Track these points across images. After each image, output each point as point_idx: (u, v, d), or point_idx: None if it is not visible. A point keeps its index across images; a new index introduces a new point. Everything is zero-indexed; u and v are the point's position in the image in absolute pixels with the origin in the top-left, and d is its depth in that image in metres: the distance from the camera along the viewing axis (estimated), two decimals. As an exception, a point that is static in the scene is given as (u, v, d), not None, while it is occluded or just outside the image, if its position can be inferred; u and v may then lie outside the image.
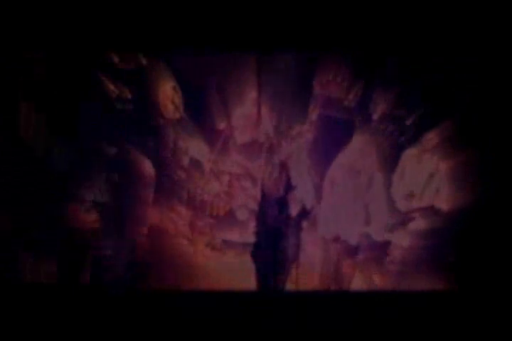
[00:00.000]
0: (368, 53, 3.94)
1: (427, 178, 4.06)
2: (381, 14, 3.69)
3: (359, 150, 4.47)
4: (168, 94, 4.02)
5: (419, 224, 4.08)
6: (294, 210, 5.04)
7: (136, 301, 3.47)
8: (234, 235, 5.07)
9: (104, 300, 3.45)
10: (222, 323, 3.34)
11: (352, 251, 4.59)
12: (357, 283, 4.58)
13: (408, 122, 4.18)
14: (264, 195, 5.04)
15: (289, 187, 5.11)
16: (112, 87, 3.54)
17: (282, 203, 5.04)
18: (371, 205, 4.46)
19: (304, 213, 4.92)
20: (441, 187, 3.97)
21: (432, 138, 4.06)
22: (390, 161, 4.27)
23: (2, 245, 3.38)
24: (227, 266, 4.98)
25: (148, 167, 4.15)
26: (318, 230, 4.78)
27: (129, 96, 3.70)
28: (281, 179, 5.01)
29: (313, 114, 4.59)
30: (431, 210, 3.99)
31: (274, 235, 4.98)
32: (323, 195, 4.78)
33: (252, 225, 5.10)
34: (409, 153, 4.19)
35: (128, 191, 4.01)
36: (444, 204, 3.93)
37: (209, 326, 3.33)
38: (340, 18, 3.69)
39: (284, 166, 4.98)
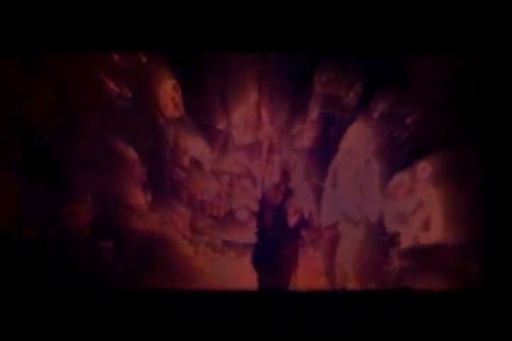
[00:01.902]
0: (367, 53, 3.94)
1: (417, 205, 4.00)
2: (381, 14, 3.69)
3: (359, 141, 4.44)
4: (168, 92, 4.01)
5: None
6: (291, 217, 5.03)
7: (137, 301, 3.45)
8: (234, 236, 5.05)
9: (105, 299, 3.42)
10: (223, 323, 3.31)
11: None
12: (352, 281, 4.56)
13: (408, 121, 4.17)
14: (263, 199, 5.02)
15: (287, 194, 5.09)
16: (112, 85, 3.53)
17: (280, 210, 5.02)
18: (368, 194, 4.43)
19: (302, 221, 4.92)
20: (430, 219, 3.90)
21: (425, 167, 3.98)
22: (388, 157, 4.23)
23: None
24: (227, 266, 4.96)
25: (131, 152, 4.04)
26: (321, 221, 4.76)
27: (130, 94, 3.70)
28: (281, 186, 4.99)
29: (314, 113, 4.58)
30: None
31: (274, 236, 4.96)
32: (326, 186, 4.76)
33: (252, 226, 5.08)
34: (401, 179, 4.13)
35: (115, 179, 3.92)
36: (430, 238, 3.84)
37: (209, 326, 3.30)
38: (341, 18, 3.68)
39: (284, 172, 4.96)
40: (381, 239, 4.21)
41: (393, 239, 4.12)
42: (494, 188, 3.50)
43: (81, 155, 3.66)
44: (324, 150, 4.67)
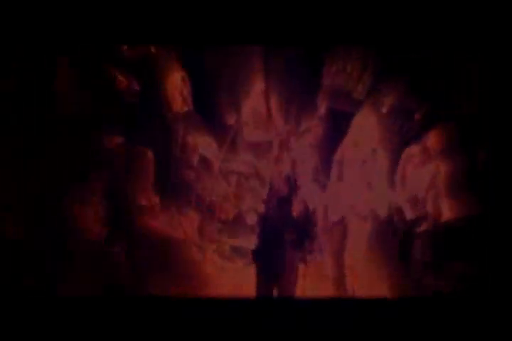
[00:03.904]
0: (376, 46, 3.93)
1: (430, 181, 3.90)
2: (388, 8, 3.71)
3: (365, 130, 4.33)
4: (176, 84, 3.94)
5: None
6: (297, 211, 4.87)
7: (142, 308, 3.23)
8: (243, 240, 4.87)
9: (108, 305, 3.20)
10: (226, 330, 3.09)
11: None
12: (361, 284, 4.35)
13: (417, 116, 4.11)
14: (269, 194, 4.89)
15: (294, 192, 4.97)
16: (120, 77, 3.45)
17: (286, 203, 4.88)
18: (375, 184, 4.27)
19: (307, 217, 4.78)
20: (441, 192, 3.79)
21: (433, 141, 3.92)
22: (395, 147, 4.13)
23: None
24: (235, 272, 4.76)
25: (148, 153, 3.90)
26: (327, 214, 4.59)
27: (138, 87, 3.60)
28: (289, 180, 4.87)
29: (322, 108, 4.53)
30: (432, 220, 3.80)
31: (278, 238, 4.78)
32: (331, 179, 4.62)
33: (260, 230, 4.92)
34: (411, 153, 4.03)
35: (128, 179, 3.75)
36: (445, 211, 3.72)
37: (214, 333, 3.08)
38: (349, 11, 3.69)
39: (291, 171, 4.86)
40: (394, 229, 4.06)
41: (414, 224, 3.95)
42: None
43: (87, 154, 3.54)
44: (331, 148, 4.60)
